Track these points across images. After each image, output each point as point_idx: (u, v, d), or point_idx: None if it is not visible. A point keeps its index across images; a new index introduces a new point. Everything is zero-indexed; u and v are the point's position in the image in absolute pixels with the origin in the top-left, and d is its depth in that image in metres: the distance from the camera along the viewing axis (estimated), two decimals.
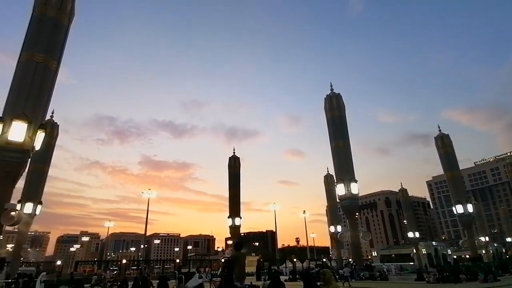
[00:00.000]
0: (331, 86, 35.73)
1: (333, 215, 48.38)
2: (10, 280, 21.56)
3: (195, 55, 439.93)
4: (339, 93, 35.07)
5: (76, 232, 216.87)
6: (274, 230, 56.44)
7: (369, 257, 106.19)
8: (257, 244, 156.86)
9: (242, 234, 51.87)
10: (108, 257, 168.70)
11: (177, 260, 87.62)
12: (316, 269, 34.80)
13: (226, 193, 38.17)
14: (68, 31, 18.88)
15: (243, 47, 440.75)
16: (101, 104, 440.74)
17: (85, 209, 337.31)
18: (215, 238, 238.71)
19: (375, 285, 23.49)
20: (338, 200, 34.34)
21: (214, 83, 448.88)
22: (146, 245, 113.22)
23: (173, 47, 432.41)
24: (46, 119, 23.20)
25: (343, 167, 31.50)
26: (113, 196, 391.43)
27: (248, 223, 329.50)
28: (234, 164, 38.43)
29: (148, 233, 51.33)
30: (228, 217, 36.59)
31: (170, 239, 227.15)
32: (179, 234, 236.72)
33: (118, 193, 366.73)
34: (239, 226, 36.51)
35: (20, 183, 22.55)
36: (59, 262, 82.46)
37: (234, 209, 36.46)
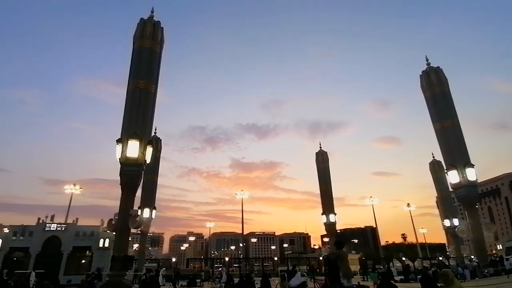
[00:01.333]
0: (427, 60, 31.66)
1: (446, 207, 42.49)
2: (138, 273, 25.97)
3: (271, 55, 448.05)
4: (438, 67, 30.81)
5: (184, 233, 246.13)
6: (374, 226, 53.11)
7: (494, 251, 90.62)
8: (356, 241, 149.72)
9: (338, 231, 50.36)
10: (212, 255, 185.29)
11: (275, 258, 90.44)
12: (433, 269, 31.13)
13: (316, 190, 37.76)
14: (161, 56, 21.78)
15: (317, 37, 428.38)
16: (193, 115, 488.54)
17: (189, 212, 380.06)
18: (310, 236, 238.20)
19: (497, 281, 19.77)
20: (451, 190, 30.04)
21: (292, 79, 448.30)
22: (244, 244, 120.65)
23: (250, 52, 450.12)
24: (152, 135, 27.14)
25: (454, 150, 27.49)
26: (211, 198, 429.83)
27: (344, 219, 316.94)
28: (322, 159, 37.71)
29: (244, 232, 54.58)
30: (322, 214, 36.05)
31: (266, 238, 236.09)
32: (274, 233, 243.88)
33: (214, 195, 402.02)
34: (334, 223, 35.57)
35: (138, 192, 26.99)
36: (174, 259, 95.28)
37: (327, 206, 35.74)
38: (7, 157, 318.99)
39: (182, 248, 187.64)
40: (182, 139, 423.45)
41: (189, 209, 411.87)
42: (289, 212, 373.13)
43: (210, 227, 75.60)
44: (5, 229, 35.17)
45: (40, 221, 34.56)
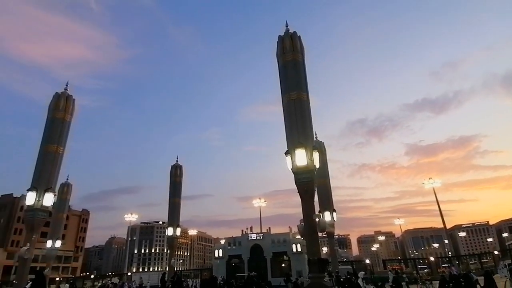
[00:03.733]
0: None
1: None
2: (333, 276, 27.01)
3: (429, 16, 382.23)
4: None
5: (370, 232, 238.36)
6: None
7: None
8: None
9: None
10: (412, 255, 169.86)
11: (495, 252, 74.99)
12: None
13: None
14: (304, 64, 22.99)
15: None
16: (348, 111, 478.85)
17: (370, 210, 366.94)
18: None
19: None
20: None
21: (465, 31, 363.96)
22: (449, 240, 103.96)
23: (401, 23, 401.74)
24: (314, 140, 28.44)
25: None
26: (391, 193, 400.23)
27: None
28: None
29: (447, 226, 47.26)
30: None
31: (478, 229, 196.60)
32: (487, 222, 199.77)
33: (395, 189, 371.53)
34: None
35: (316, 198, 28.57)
36: (367, 261, 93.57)
37: None
38: (209, 185, 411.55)
39: (373, 248, 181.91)
40: (343, 137, 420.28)
41: (370, 207, 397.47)
42: (501, 194, 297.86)
43: (400, 224, 70.24)
44: (222, 241, 45.15)
45: (243, 233, 42.40)
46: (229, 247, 41.11)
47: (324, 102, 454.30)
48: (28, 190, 23.45)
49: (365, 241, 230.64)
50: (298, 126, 20.94)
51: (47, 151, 25.00)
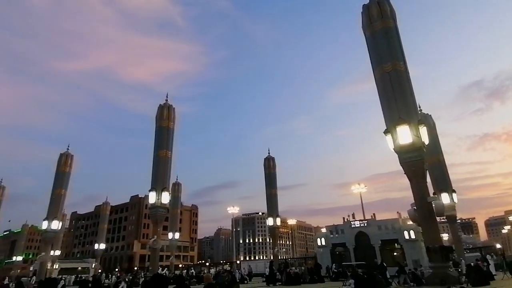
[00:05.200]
0: None
1: None
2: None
3: None
4: None
5: (500, 213, 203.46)
6: None
7: None
8: None
9: None
10: None
11: None
12: None
13: None
14: (397, 30, 20.84)
15: None
16: (459, 74, 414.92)
17: (498, 187, 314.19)
18: None
19: None
20: None
21: None
22: None
23: None
24: (419, 113, 25.50)
25: None
26: None
27: None
28: None
29: None
30: None
31: None
32: None
33: None
34: None
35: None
36: (498, 245, 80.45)
37: None
38: (303, 174, 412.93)
39: (504, 231, 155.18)
40: (456, 106, 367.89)
41: (497, 184, 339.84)
42: None
43: None
44: (322, 229, 44.82)
45: (345, 220, 41.09)
46: (332, 236, 40.45)
47: (425, 69, 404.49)
48: (149, 190, 27.59)
49: (494, 224, 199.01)
50: (397, 101, 19.10)
51: (159, 156, 28.84)
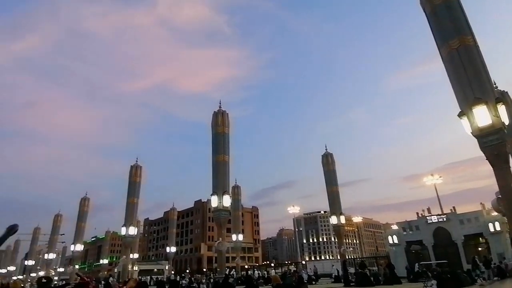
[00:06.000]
0: None
1: None
2: None
3: None
4: None
5: None
6: None
7: None
8: None
9: None
10: None
11: None
12: None
13: None
14: (460, 3, 18.87)
15: None
16: None
17: None
18: None
19: None
20: None
21: None
22: None
23: None
24: (495, 90, 22.65)
25: None
26: None
27: None
28: None
29: None
30: None
31: None
32: None
33: None
34: None
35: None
36: None
37: None
38: (364, 168, 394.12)
39: None
40: None
41: None
42: None
43: None
44: (393, 226, 42.09)
45: (419, 215, 38.02)
46: (405, 233, 37.78)
47: (496, 40, 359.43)
48: (211, 194, 28.75)
49: None
50: (470, 79, 17.21)
51: (217, 161, 29.96)
